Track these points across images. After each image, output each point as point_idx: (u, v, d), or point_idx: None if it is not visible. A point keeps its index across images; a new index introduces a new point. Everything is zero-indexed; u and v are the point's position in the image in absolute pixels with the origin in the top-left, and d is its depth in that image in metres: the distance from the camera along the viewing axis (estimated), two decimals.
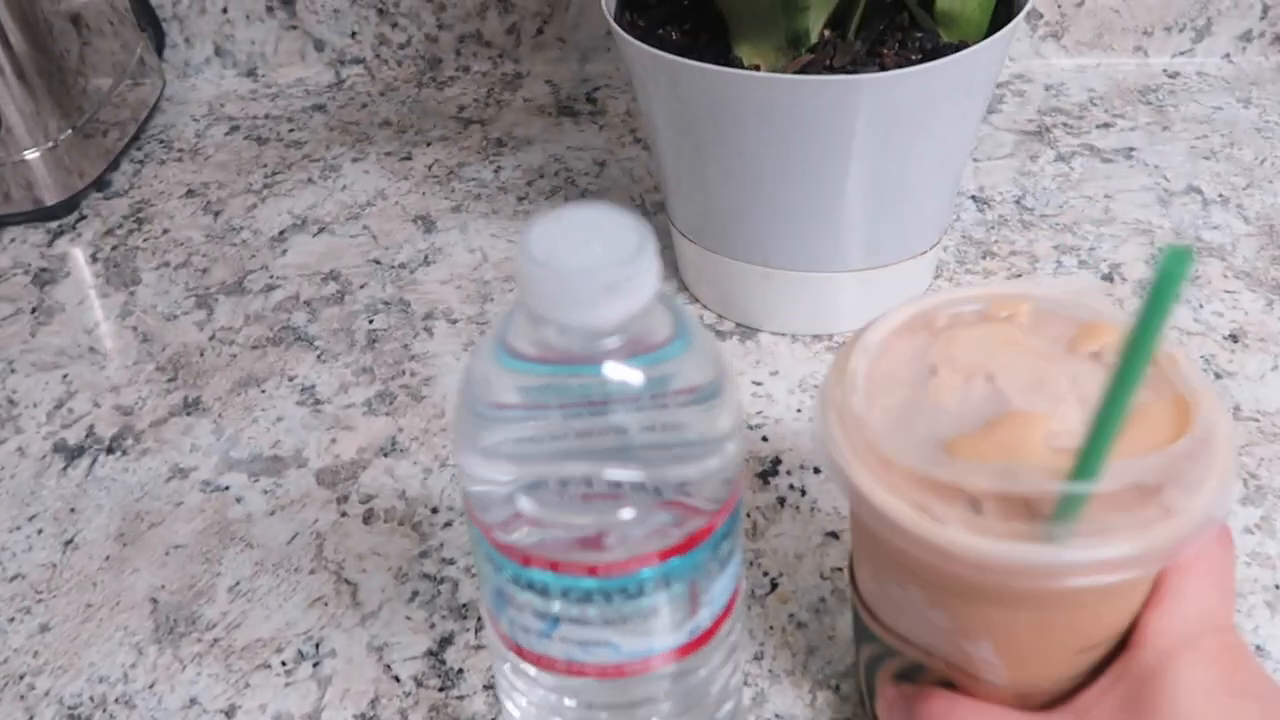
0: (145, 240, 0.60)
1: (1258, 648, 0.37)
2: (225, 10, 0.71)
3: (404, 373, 0.51)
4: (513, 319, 0.25)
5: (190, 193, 0.64)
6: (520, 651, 0.28)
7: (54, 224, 0.62)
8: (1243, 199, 0.58)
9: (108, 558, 0.43)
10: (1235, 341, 0.49)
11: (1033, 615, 0.27)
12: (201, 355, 0.52)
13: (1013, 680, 0.29)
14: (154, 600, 0.42)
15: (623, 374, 0.24)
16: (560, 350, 0.24)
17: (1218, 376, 0.47)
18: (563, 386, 0.25)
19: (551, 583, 0.26)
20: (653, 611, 0.26)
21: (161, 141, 0.68)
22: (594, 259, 0.23)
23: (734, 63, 0.46)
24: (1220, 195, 0.58)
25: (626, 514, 0.25)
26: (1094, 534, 0.25)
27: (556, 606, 0.26)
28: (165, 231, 0.61)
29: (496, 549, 0.26)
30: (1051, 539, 0.25)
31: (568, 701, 0.29)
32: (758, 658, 0.38)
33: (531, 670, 0.28)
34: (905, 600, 0.29)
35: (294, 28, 0.72)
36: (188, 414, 0.49)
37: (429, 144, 0.66)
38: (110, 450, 0.48)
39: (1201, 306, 0.51)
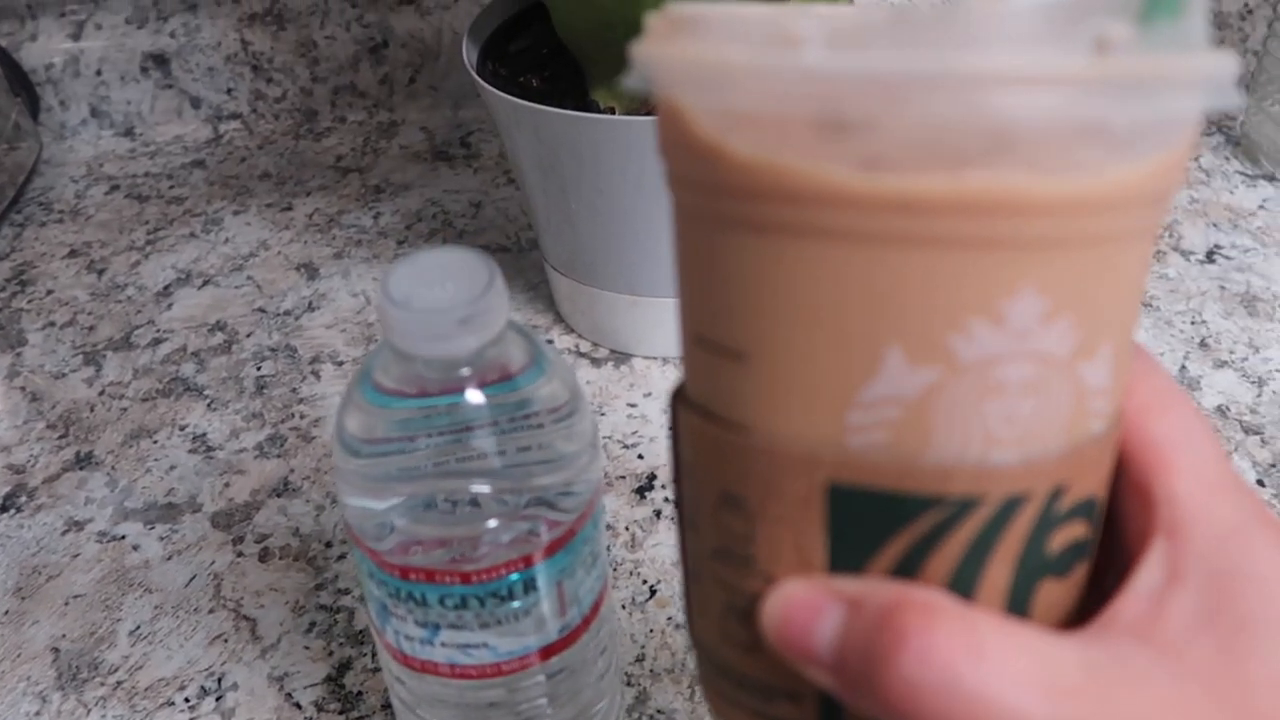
0: (29, 301, 0.61)
1: None
2: (99, 73, 0.72)
3: (293, 415, 0.53)
4: (377, 359, 0.28)
5: (73, 253, 0.65)
6: (406, 660, 0.30)
7: None
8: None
9: (6, 612, 0.44)
10: None
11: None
12: (92, 410, 0.54)
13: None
14: (55, 650, 0.43)
15: (482, 400, 0.27)
16: (424, 382, 0.27)
17: None
18: (427, 415, 0.27)
19: (429, 592, 0.28)
20: (524, 613, 0.29)
21: (41, 204, 0.69)
22: (448, 297, 0.25)
23: (591, 107, 0.49)
24: None
25: (492, 524, 0.27)
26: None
27: (435, 614, 0.28)
28: (49, 292, 0.62)
29: (377, 565, 0.28)
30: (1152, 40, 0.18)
31: (459, 717, 0.32)
32: (639, 659, 0.41)
33: (424, 678, 0.31)
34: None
35: (170, 86, 0.74)
36: (80, 468, 0.51)
37: (309, 194, 0.68)
38: (4, 509, 0.49)
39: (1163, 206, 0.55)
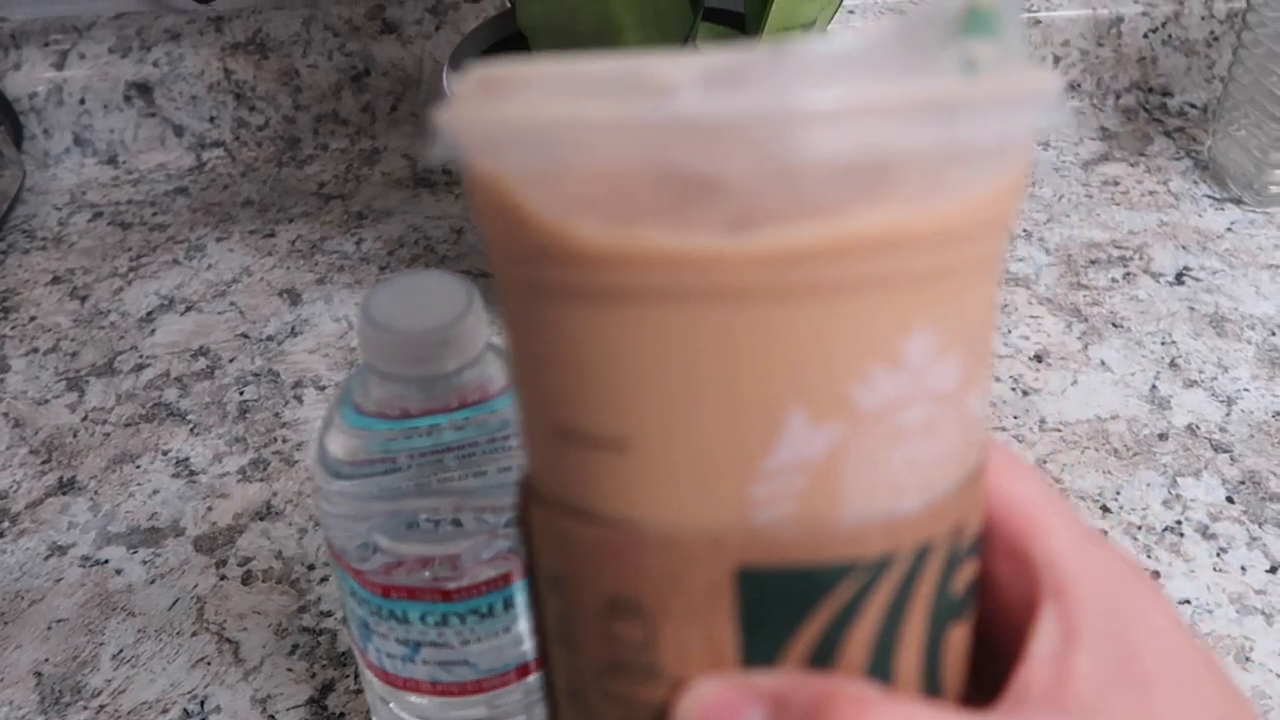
0: (13, 328, 0.61)
1: None
2: (83, 101, 0.73)
3: (276, 440, 0.53)
4: (357, 381, 0.28)
5: (56, 279, 0.65)
6: (388, 678, 0.31)
7: None
8: (1044, 232, 0.64)
9: None
10: (1039, 361, 0.55)
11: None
12: (75, 436, 0.54)
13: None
14: (38, 674, 0.43)
15: (462, 420, 0.28)
16: (404, 404, 0.27)
17: (1025, 394, 0.53)
18: (408, 436, 0.28)
19: (410, 610, 0.29)
20: (503, 630, 0.29)
21: (24, 231, 0.69)
22: (428, 319, 0.26)
23: None
24: (1024, 230, 0.64)
25: (472, 542, 0.28)
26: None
27: (417, 632, 0.29)
28: (32, 319, 0.62)
29: (359, 584, 0.29)
30: (970, 64, 0.17)
31: None
32: None
33: (409, 697, 0.31)
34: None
35: (153, 115, 0.74)
36: (63, 493, 0.51)
37: (291, 220, 0.69)
38: None
39: (1010, 331, 0.56)
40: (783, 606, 0.19)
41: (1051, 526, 0.21)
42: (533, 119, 0.17)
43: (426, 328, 0.26)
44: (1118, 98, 0.75)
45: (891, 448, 0.18)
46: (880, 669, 0.19)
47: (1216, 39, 0.73)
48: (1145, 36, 0.73)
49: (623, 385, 0.18)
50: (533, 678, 0.31)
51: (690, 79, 0.16)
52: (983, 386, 0.20)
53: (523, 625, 0.30)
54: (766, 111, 0.16)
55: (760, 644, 0.19)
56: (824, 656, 0.19)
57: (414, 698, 0.31)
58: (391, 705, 0.32)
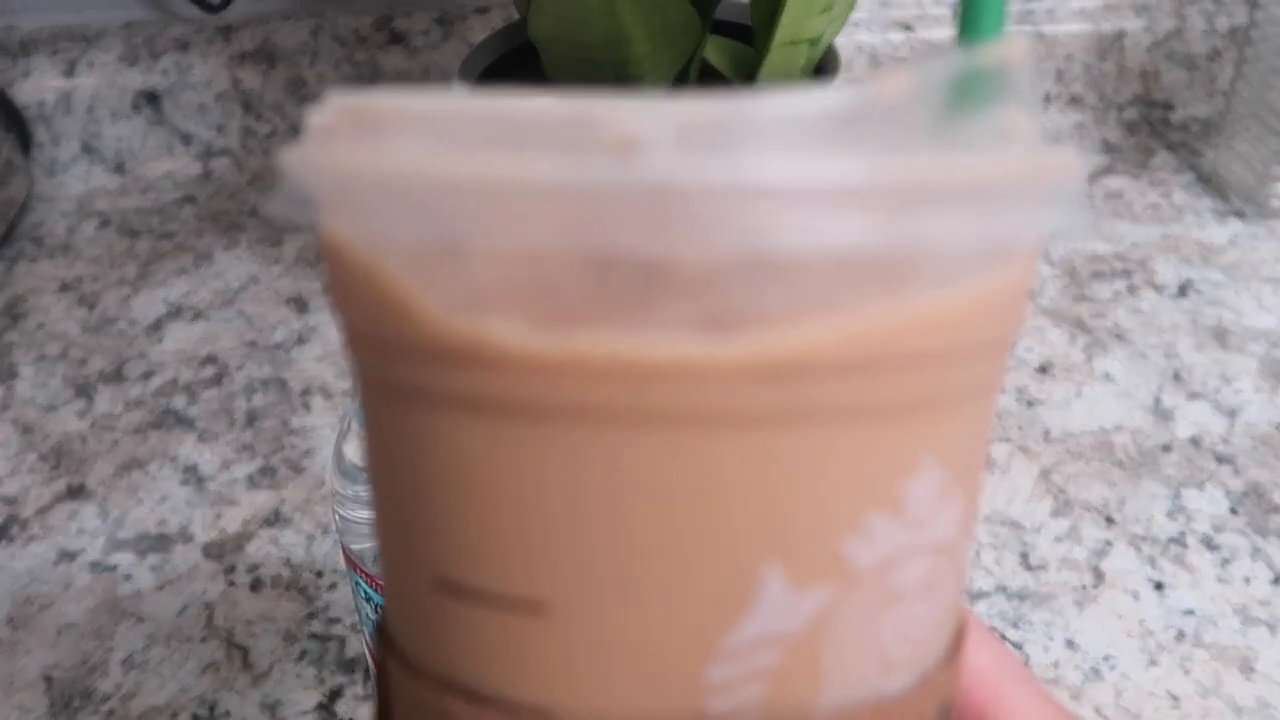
0: (21, 335, 0.62)
1: (1068, 642, 0.42)
2: (91, 109, 0.73)
3: (284, 447, 0.53)
4: None
5: (64, 287, 0.65)
6: None
7: None
8: (1047, 245, 0.64)
9: (0, 641, 0.45)
10: (1044, 373, 0.55)
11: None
12: (84, 442, 0.54)
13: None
14: (48, 679, 0.43)
15: None
16: None
17: (1029, 406, 0.53)
18: None
19: None
20: None
21: (33, 239, 0.70)
22: None
23: None
24: None
25: None
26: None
27: None
28: (41, 326, 0.62)
29: (374, 589, 0.29)
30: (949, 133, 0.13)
31: None
32: None
33: None
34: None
35: (161, 123, 0.75)
36: (72, 499, 0.51)
37: (299, 229, 0.69)
38: None
39: (1016, 343, 0.57)
40: None
41: (1017, 705, 0.19)
42: (427, 174, 0.12)
43: None
44: (1120, 111, 0.75)
45: (886, 614, 0.15)
46: None
47: (1219, 53, 0.74)
48: (1148, 51, 0.74)
49: (543, 530, 0.14)
50: None
51: (660, 134, 0.12)
52: (971, 531, 0.16)
53: None
54: (754, 182, 0.12)
55: None
56: None
57: None
58: None
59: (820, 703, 0.14)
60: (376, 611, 0.30)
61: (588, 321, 0.13)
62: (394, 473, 0.15)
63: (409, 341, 0.13)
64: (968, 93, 0.13)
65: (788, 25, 0.47)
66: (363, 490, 0.29)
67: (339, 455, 0.29)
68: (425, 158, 0.12)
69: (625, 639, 0.14)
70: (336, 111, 0.13)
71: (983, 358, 0.15)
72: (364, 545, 0.29)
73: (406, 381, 0.14)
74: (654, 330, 0.12)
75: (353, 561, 0.30)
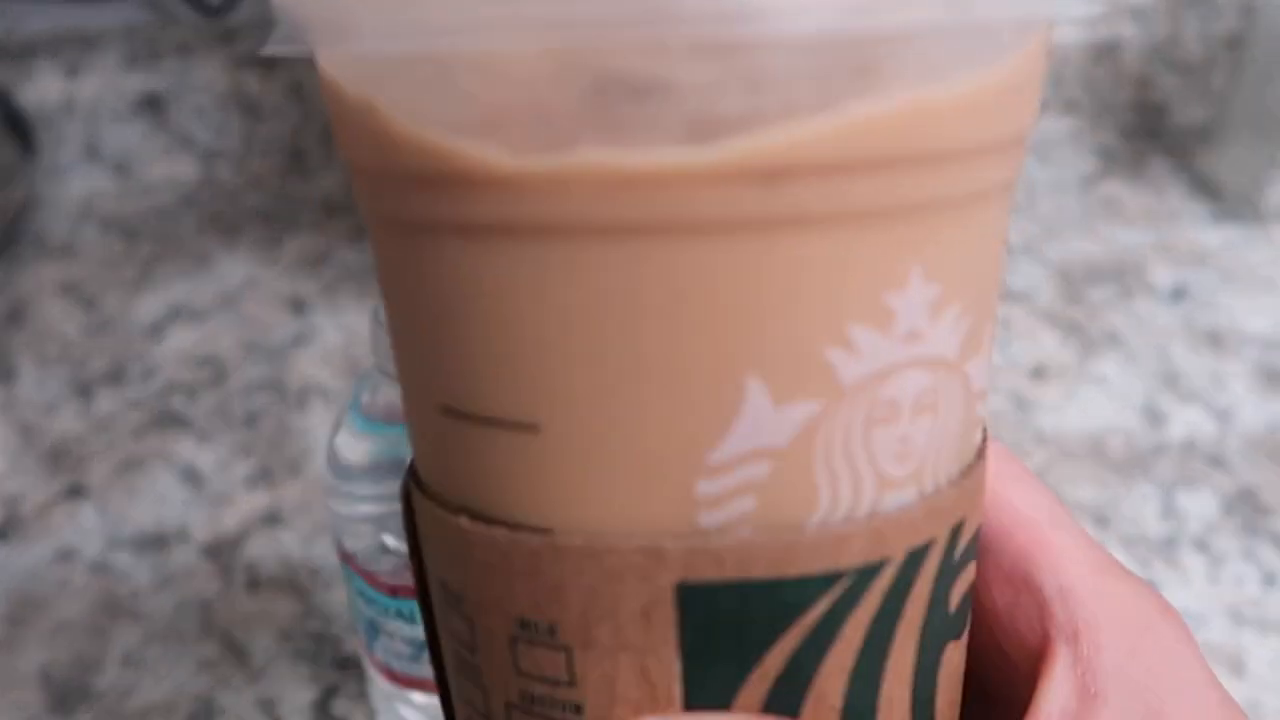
0: (22, 336, 0.62)
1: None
2: (93, 112, 0.74)
3: (282, 448, 0.53)
4: (364, 386, 0.29)
5: (65, 288, 0.66)
6: (395, 677, 0.31)
7: None
8: (1042, 248, 0.64)
9: None
10: (1037, 375, 0.55)
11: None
12: (83, 442, 0.55)
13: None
14: (45, 675, 0.44)
15: None
16: None
17: (1023, 407, 0.53)
18: None
19: (417, 609, 0.29)
20: None
21: (34, 241, 0.70)
22: None
23: None
24: (1024, 246, 0.65)
25: None
26: None
27: (423, 631, 0.29)
28: (41, 327, 0.63)
29: (368, 584, 0.29)
30: None
31: None
32: None
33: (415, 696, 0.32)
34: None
35: (162, 126, 0.75)
36: (72, 499, 0.51)
37: (298, 232, 0.70)
38: None
39: (1010, 345, 0.57)
40: (739, 633, 0.15)
41: (1063, 549, 0.17)
42: (412, 11, 0.13)
43: None
44: (1116, 116, 0.76)
45: (877, 429, 0.15)
46: (862, 707, 0.16)
47: (1214, 59, 0.74)
48: (1144, 57, 0.74)
49: (536, 349, 0.14)
50: None
51: None
52: (985, 352, 0.16)
53: None
54: None
55: (710, 681, 0.15)
56: (791, 695, 0.15)
57: (419, 696, 0.31)
58: (398, 706, 0.33)
59: (815, 518, 0.14)
60: (369, 608, 0.30)
61: (575, 139, 0.13)
62: (399, 305, 0.15)
63: (402, 170, 0.14)
64: None
65: None
66: (356, 487, 0.29)
67: (332, 451, 0.30)
68: None
69: (615, 455, 0.14)
70: None
71: (976, 161, 0.14)
72: (359, 543, 0.30)
73: (403, 213, 0.14)
74: (640, 143, 0.13)
75: (347, 557, 0.30)
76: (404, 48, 0.13)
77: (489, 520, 0.15)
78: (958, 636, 0.17)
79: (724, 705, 0.15)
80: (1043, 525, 0.17)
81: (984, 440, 0.17)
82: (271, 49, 0.14)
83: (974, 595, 0.18)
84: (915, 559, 0.15)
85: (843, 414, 0.14)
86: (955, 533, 0.16)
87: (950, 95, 0.13)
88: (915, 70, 0.13)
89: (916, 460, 0.15)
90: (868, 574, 0.15)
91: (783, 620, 0.15)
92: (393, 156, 0.14)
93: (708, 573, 0.14)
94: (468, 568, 0.16)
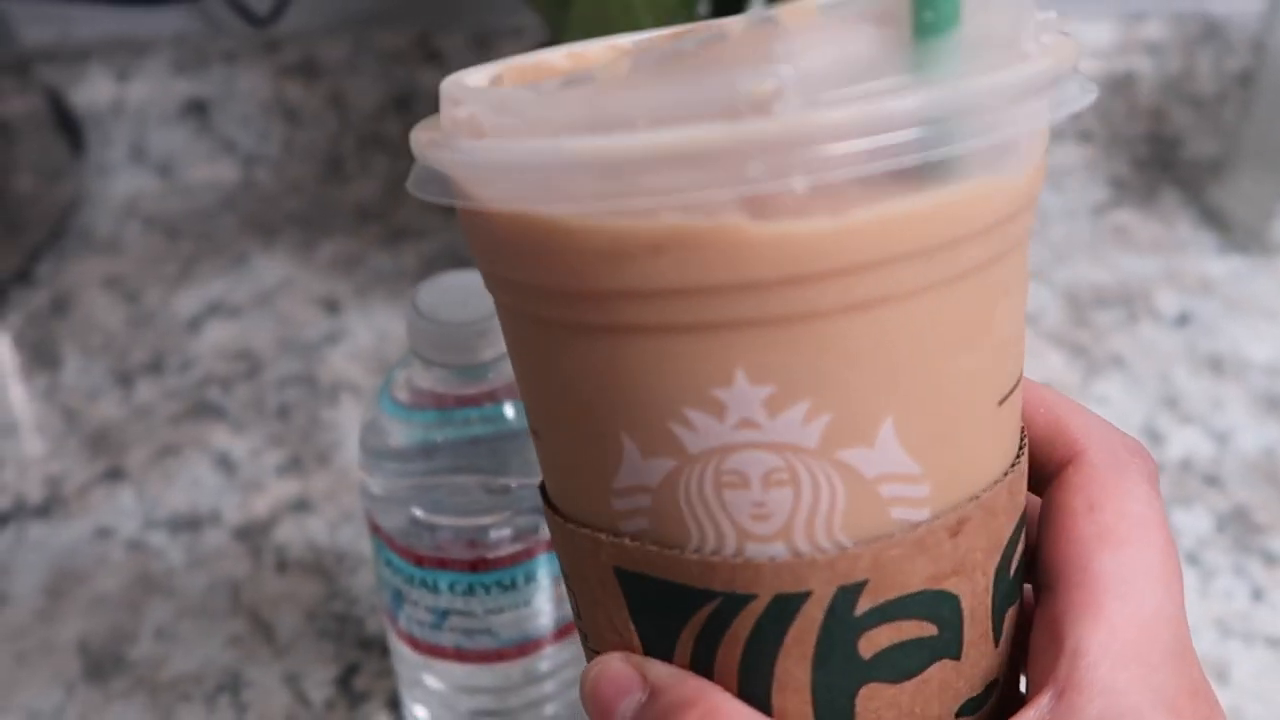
0: (67, 327, 0.65)
1: None
2: (141, 116, 0.77)
3: (312, 439, 0.56)
4: (398, 375, 0.31)
5: (109, 283, 0.69)
6: (416, 644, 0.33)
7: None
8: (1051, 273, 0.66)
9: (39, 610, 0.48)
10: None
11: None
12: (123, 429, 0.57)
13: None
14: (83, 645, 0.46)
15: (496, 407, 0.30)
16: (443, 392, 0.30)
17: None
18: (445, 423, 0.31)
19: (440, 579, 0.31)
20: (525, 602, 0.32)
21: (81, 237, 0.73)
22: (469, 312, 0.29)
23: None
24: (1035, 270, 0.67)
25: (502, 517, 0.31)
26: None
27: (445, 600, 0.32)
28: (86, 319, 0.65)
29: (395, 552, 0.32)
30: (923, 68, 0.16)
31: (465, 702, 0.35)
32: None
33: (434, 665, 0.34)
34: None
35: (206, 131, 0.78)
36: (111, 481, 0.54)
37: (333, 235, 0.72)
38: (39, 515, 0.52)
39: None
40: (660, 610, 0.19)
41: (1107, 615, 0.19)
42: (611, 150, 0.16)
43: (467, 320, 0.29)
44: (1129, 148, 0.78)
45: (728, 491, 0.18)
46: (757, 699, 0.19)
47: (1225, 94, 0.76)
48: (1158, 90, 0.76)
49: (532, 385, 0.20)
50: (550, 649, 0.34)
51: (785, 87, 0.16)
52: (896, 442, 0.17)
53: (543, 599, 0.32)
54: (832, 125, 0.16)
55: (654, 637, 0.20)
56: (702, 665, 0.19)
57: (441, 664, 0.34)
58: (421, 674, 0.35)
59: (690, 545, 0.19)
60: (396, 577, 0.32)
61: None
62: (511, 353, 0.21)
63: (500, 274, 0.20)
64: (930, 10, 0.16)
65: None
66: (388, 465, 0.31)
67: (366, 433, 0.32)
68: (603, 138, 0.16)
69: (569, 464, 0.20)
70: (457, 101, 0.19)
71: (796, 286, 0.17)
72: (389, 517, 0.32)
73: (505, 298, 0.20)
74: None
75: (377, 529, 0.32)
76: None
77: (543, 495, 0.22)
78: (893, 679, 0.19)
79: (668, 656, 0.20)
80: (1107, 592, 0.19)
81: (940, 515, 0.18)
82: (424, 195, 0.20)
83: (1030, 630, 0.20)
84: (787, 602, 0.18)
85: (695, 473, 0.18)
86: (850, 591, 0.18)
87: (759, 231, 0.16)
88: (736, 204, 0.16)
89: (779, 522, 0.18)
90: (735, 600, 0.18)
91: (683, 612, 0.19)
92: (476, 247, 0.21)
93: (626, 564, 0.19)
94: (548, 527, 0.22)
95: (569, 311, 0.18)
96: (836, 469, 0.18)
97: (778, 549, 0.18)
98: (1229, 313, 0.63)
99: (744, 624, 0.19)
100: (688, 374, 0.17)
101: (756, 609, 0.18)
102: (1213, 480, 0.52)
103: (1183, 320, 0.62)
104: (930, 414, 0.18)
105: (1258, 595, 0.47)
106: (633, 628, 0.20)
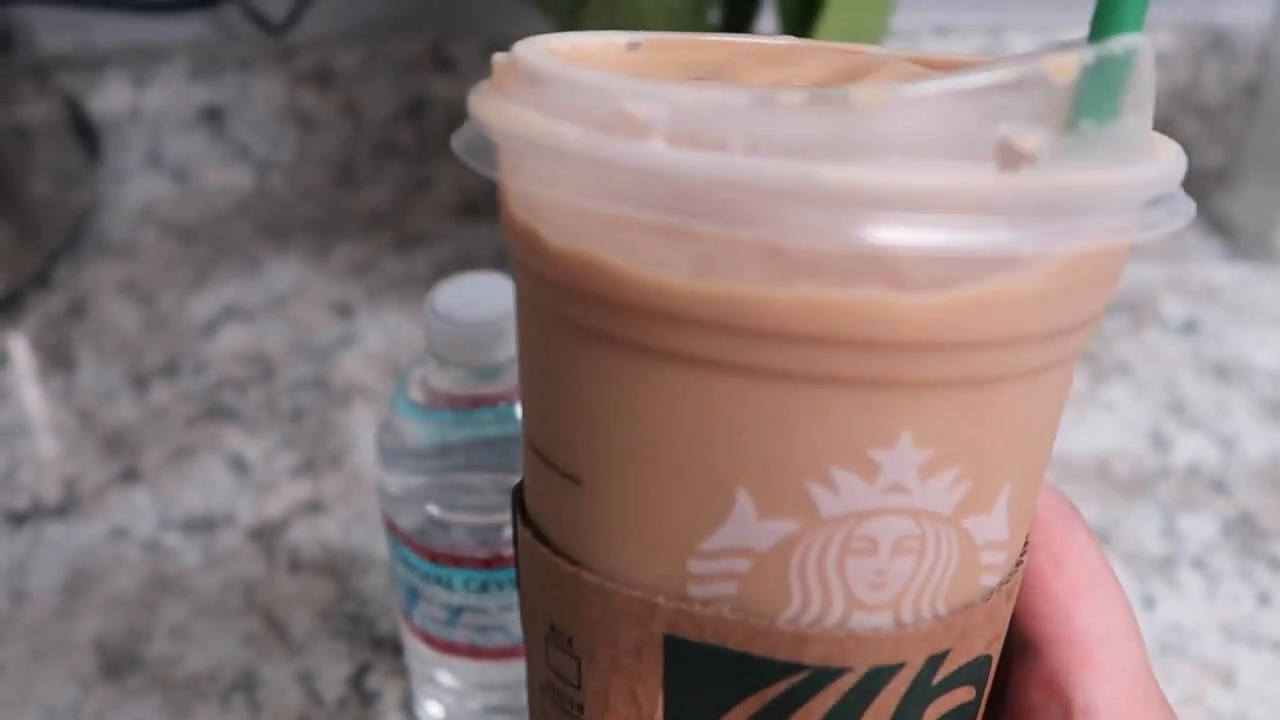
0: (83, 330, 0.65)
1: None
2: (156, 122, 0.78)
3: (324, 442, 0.56)
4: (414, 375, 0.32)
5: (125, 287, 0.69)
6: (430, 640, 0.34)
7: None
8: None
9: (56, 608, 0.48)
10: None
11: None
12: (138, 430, 0.58)
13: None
14: (99, 643, 0.46)
15: (509, 407, 0.31)
16: (458, 392, 0.31)
17: None
18: (459, 423, 0.31)
19: (455, 576, 0.32)
20: None
21: (97, 241, 0.74)
22: (485, 312, 0.30)
23: None
24: None
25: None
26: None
27: (459, 597, 0.32)
28: (102, 322, 0.66)
29: (410, 549, 0.32)
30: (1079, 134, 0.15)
31: (479, 699, 0.35)
32: None
33: (450, 663, 0.34)
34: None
35: (221, 136, 0.79)
36: (126, 482, 0.55)
37: (346, 241, 0.73)
38: (56, 516, 0.53)
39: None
40: (711, 685, 0.18)
41: (1105, 669, 0.19)
42: (523, 133, 0.16)
43: (484, 320, 0.29)
44: None
45: (852, 559, 0.17)
46: None
47: (1231, 104, 0.77)
48: (1164, 100, 0.77)
49: (579, 420, 0.17)
50: None
51: (672, 120, 0.15)
52: (1004, 510, 0.17)
53: None
54: (759, 182, 0.14)
55: (688, 712, 0.18)
56: None
57: (455, 661, 0.34)
58: (434, 670, 0.35)
59: (785, 615, 0.17)
60: (411, 574, 0.33)
61: (611, 249, 0.16)
62: (518, 358, 0.19)
63: (520, 254, 0.17)
64: (1097, 95, 0.15)
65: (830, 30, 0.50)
66: (404, 464, 0.32)
67: (382, 433, 0.32)
68: (531, 121, 0.16)
69: (630, 520, 0.17)
70: (509, 61, 0.17)
71: (973, 351, 0.16)
72: (405, 515, 0.32)
73: (523, 286, 0.18)
74: (658, 266, 0.16)
75: (393, 527, 0.33)
76: (554, 193, 0.16)
77: (544, 539, 0.19)
78: None
79: None
80: (1097, 645, 0.19)
81: (1007, 582, 0.18)
82: (468, 160, 0.17)
83: (1014, 691, 0.20)
84: (880, 675, 0.17)
85: (820, 538, 0.17)
86: (935, 661, 0.18)
87: (900, 303, 0.15)
88: (900, 277, 0.15)
89: (893, 591, 0.17)
90: (826, 674, 0.17)
91: (747, 687, 0.17)
92: (510, 235, 0.17)
93: (689, 632, 0.17)
94: (528, 571, 0.19)
95: (684, 342, 0.16)
96: (959, 536, 0.17)
97: (884, 619, 0.17)
98: (1235, 320, 0.63)
99: (826, 699, 0.17)
100: (846, 430, 0.16)
101: (846, 683, 0.17)
102: (1219, 486, 0.52)
103: (1189, 327, 0.63)
104: (1030, 484, 0.18)
105: (1264, 600, 0.47)
106: (660, 700, 0.18)
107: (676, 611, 0.17)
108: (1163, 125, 0.78)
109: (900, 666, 0.17)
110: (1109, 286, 0.17)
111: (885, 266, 0.15)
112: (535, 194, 0.16)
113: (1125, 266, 0.18)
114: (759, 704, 0.17)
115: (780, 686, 0.17)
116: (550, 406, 0.18)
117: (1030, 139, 0.15)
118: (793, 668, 0.17)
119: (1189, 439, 0.55)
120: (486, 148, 0.17)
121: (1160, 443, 0.55)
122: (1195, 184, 0.76)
